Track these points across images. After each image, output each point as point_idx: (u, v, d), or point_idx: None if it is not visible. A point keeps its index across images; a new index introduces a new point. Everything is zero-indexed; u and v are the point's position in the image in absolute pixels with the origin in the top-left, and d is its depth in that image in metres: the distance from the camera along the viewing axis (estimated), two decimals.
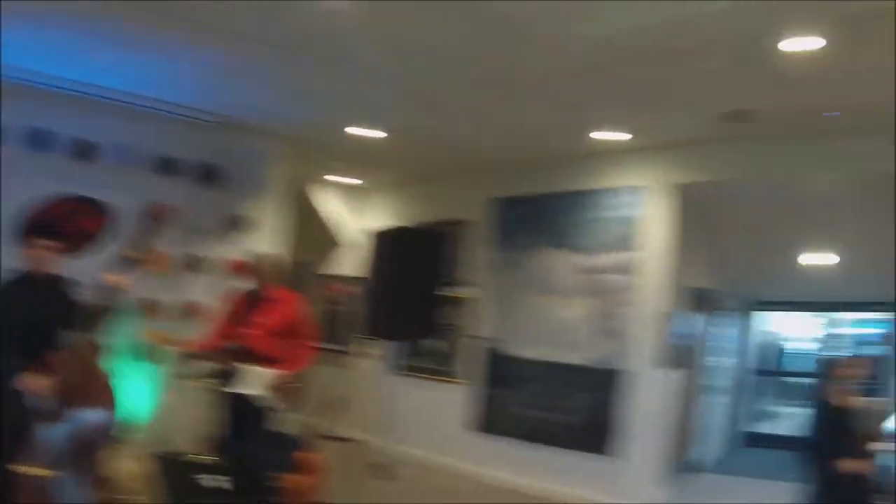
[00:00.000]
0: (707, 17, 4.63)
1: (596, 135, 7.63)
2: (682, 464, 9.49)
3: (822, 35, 4.76)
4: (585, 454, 8.13)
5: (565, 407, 8.37)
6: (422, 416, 9.34)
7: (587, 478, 8.05)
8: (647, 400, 7.90)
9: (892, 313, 11.61)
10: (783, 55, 5.07)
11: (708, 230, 9.07)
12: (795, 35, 4.79)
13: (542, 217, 8.89)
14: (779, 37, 4.83)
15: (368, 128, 7.93)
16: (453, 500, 7.91)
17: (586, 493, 7.93)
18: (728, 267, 10.00)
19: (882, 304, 11.53)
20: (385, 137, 8.21)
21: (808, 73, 5.42)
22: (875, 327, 12.61)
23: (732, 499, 8.96)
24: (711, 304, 10.26)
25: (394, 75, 6.22)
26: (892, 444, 6.61)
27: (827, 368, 6.93)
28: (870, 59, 5.23)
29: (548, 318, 8.67)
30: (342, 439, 9.09)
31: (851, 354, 10.96)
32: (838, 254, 9.34)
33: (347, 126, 7.89)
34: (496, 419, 8.99)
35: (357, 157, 9.36)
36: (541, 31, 5.04)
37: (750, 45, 5.05)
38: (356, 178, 10.79)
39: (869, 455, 6.36)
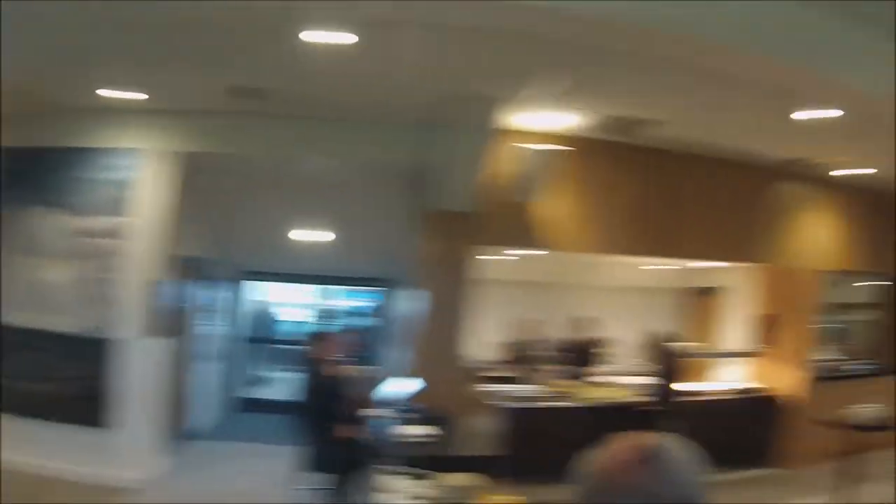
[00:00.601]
0: None
1: (104, 92, 7.28)
2: (180, 432, 9.36)
3: (353, 31, 5.18)
4: (80, 427, 7.79)
5: (55, 378, 7.90)
6: None
7: (83, 452, 7.71)
8: (140, 369, 7.86)
9: (382, 289, 12.55)
10: (305, 43, 5.36)
11: (207, 200, 9.21)
12: (322, 27, 5.15)
13: (33, 173, 8.16)
14: (302, 25, 5.11)
15: None
16: None
17: (83, 469, 7.58)
18: (224, 237, 10.25)
19: (373, 280, 12.40)
20: None
21: (331, 64, 5.85)
22: (367, 300, 13.51)
23: (231, 464, 9.17)
24: (205, 272, 10.18)
25: None
26: (383, 411, 7.00)
27: (317, 339, 7.21)
28: (391, 59, 5.65)
29: (35, 282, 8.03)
30: None
31: (343, 326, 11.62)
32: (335, 231, 9.83)
33: None
34: None
35: None
36: None
37: (271, 28, 5.30)
38: None
39: (361, 420, 6.70)
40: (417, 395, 7.18)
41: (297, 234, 10.23)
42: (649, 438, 1.55)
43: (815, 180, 9.84)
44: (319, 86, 6.74)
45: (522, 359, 10.78)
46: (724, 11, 5.04)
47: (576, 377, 9.72)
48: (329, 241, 10.23)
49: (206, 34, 5.52)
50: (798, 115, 6.94)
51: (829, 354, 11.08)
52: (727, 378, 10.72)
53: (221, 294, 11.76)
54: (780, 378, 10.03)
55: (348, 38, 5.24)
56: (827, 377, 10.30)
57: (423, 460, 5.56)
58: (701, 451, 1.57)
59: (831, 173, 9.62)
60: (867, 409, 8.16)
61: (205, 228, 9.78)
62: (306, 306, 13.86)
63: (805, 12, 5.33)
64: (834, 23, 5.49)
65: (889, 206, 10.74)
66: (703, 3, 4.95)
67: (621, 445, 1.54)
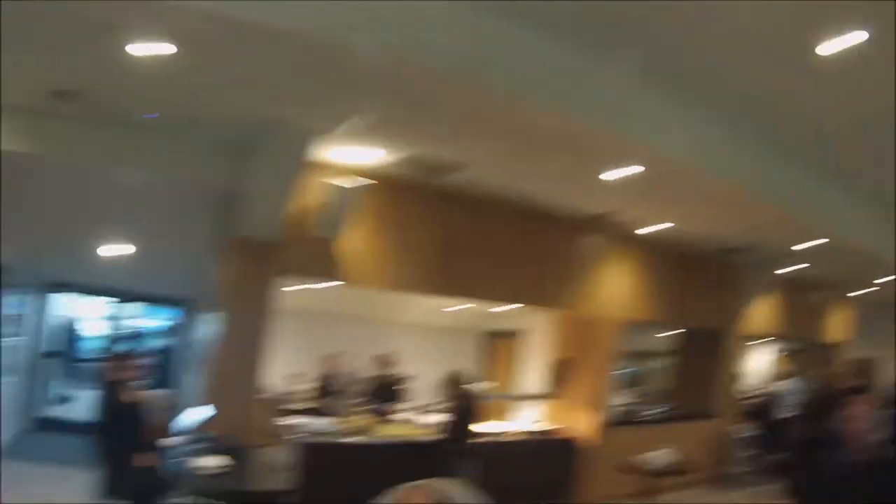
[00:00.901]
0: None
1: None
2: None
3: (173, 42, 5.20)
4: None
5: None
6: None
7: None
8: None
9: (185, 310, 12.35)
10: (126, 51, 5.29)
11: (12, 203, 8.69)
12: (143, 37, 5.15)
13: None
14: (123, 32, 5.09)
15: None
16: None
17: None
18: (24, 243, 9.73)
19: (177, 300, 12.20)
20: None
21: (150, 74, 5.80)
22: (168, 320, 13.23)
23: (27, 487, 8.69)
24: (6, 280, 9.77)
25: None
26: (180, 439, 6.92)
27: (114, 360, 7.05)
28: (208, 78, 5.65)
29: None
30: None
31: (138, 346, 11.31)
32: (141, 247, 9.66)
33: None
34: None
35: None
36: None
37: (92, 30, 5.18)
38: None
39: (158, 448, 6.60)
40: (208, 423, 7.12)
41: (105, 247, 9.94)
42: (440, 485, 1.56)
43: (618, 234, 10.45)
44: (138, 95, 6.68)
45: (322, 392, 10.85)
46: (516, 62, 5.36)
47: (375, 413, 9.84)
48: (134, 256, 9.99)
49: (27, 31, 5.36)
50: (598, 172, 7.38)
51: (625, 399, 11.71)
52: (524, 420, 11.09)
53: (22, 304, 11.29)
54: (577, 421, 10.51)
55: (168, 50, 5.25)
56: (623, 421, 10.89)
57: (216, 492, 5.55)
58: (494, 492, 1.61)
59: (633, 230, 10.18)
60: (659, 455, 8.59)
61: (8, 233, 9.32)
62: (110, 322, 13.44)
63: (599, 70, 5.74)
64: (621, 76, 5.96)
65: (682, 261, 11.45)
66: (493, 53, 5.34)
67: (412, 492, 1.55)
